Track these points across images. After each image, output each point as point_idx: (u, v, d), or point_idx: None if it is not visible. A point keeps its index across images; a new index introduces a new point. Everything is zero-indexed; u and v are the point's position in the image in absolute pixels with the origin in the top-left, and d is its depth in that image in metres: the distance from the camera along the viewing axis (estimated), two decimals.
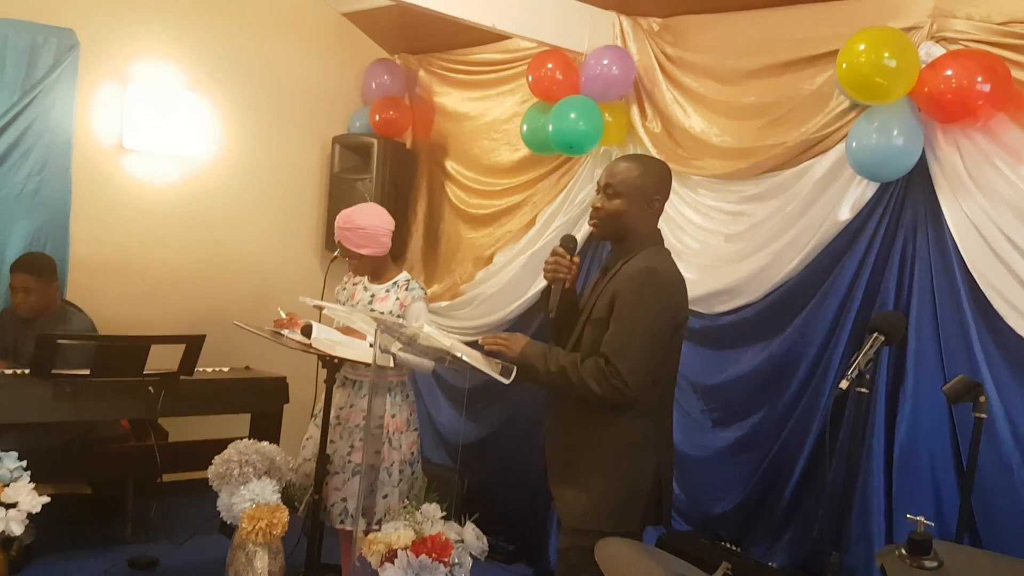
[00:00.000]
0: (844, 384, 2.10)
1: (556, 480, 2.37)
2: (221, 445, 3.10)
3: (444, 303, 4.44)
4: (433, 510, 2.56)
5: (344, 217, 3.14)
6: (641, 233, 2.36)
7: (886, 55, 2.66)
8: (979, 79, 2.58)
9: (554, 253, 2.36)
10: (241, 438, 3.15)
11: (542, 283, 3.89)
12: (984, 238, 2.64)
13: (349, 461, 3.02)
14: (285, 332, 2.98)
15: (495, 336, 2.30)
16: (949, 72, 2.64)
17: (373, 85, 4.83)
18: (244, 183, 4.67)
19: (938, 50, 2.76)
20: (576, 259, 2.38)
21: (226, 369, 4.04)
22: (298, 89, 4.80)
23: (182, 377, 3.61)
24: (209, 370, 3.93)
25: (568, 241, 2.38)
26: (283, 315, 3.05)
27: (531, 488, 3.99)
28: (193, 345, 3.55)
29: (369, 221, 3.12)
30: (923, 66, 2.72)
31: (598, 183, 2.40)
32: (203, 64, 4.46)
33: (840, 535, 2.31)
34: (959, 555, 1.66)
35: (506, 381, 2.14)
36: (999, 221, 2.60)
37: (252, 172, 4.69)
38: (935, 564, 1.55)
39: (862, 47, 2.70)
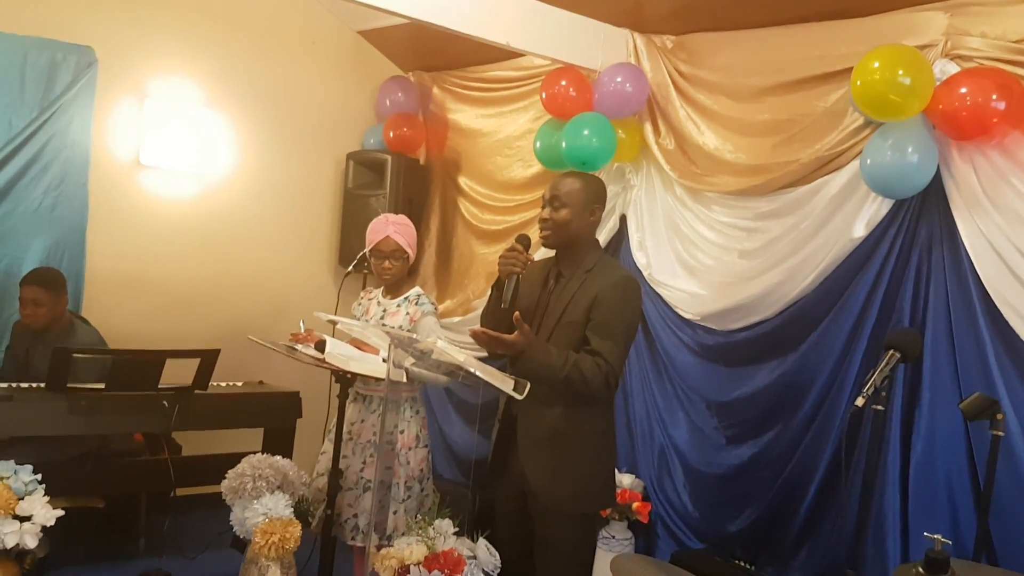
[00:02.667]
0: (860, 401, 2.09)
1: (536, 472, 2.54)
2: (234, 459, 3.10)
3: (456, 318, 4.45)
4: (446, 526, 2.55)
5: (394, 217, 3.20)
6: (587, 241, 2.63)
7: (900, 72, 2.67)
8: (994, 97, 2.58)
9: (511, 249, 2.54)
10: (254, 452, 3.15)
11: None
12: (1000, 256, 2.63)
13: (361, 477, 3.02)
14: (299, 347, 2.98)
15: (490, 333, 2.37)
16: (964, 90, 2.64)
17: (387, 102, 4.86)
18: (259, 199, 4.70)
19: (953, 68, 2.77)
20: (531, 255, 2.58)
21: (240, 384, 4.05)
22: (313, 106, 4.84)
23: (196, 391, 3.62)
24: (223, 384, 3.94)
25: (523, 239, 2.57)
26: (303, 328, 3.06)
27: None
28: (207, 360, 3.57)
29: (410, 223, 3.19)
30: (938, 84, 2.73)
31: (543, 197, 2.62)
32: (220, 81, 4.50)
33: (856, 553, 2.29)
34: (977, 574, 1.64)
35: (519, 396, 2.15)
36: (1015, 239, 2.59)
37: (267, 188, 4.73)
38: None
39: (876, 64, 2.70)
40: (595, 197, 2.63)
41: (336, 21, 4.82)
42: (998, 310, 2.64)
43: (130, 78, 4.25)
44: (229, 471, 3.02)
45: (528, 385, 2.17)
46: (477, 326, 4.27)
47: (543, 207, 2.63)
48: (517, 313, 2.38)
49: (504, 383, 2.11)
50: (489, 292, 2.67)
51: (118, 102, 4.23)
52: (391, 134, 4.74)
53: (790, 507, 3.22)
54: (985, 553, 2.44)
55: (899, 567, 1.68)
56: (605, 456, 2.64)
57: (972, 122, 2.64)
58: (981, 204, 2.68)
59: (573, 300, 2.54)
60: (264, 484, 2.91)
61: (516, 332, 2.34)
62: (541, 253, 2.97)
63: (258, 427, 4.07)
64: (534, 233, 2.76)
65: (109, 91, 4.17)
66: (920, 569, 1.57)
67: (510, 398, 2.49)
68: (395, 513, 2.95)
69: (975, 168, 2.70)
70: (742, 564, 3.28)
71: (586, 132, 3.57)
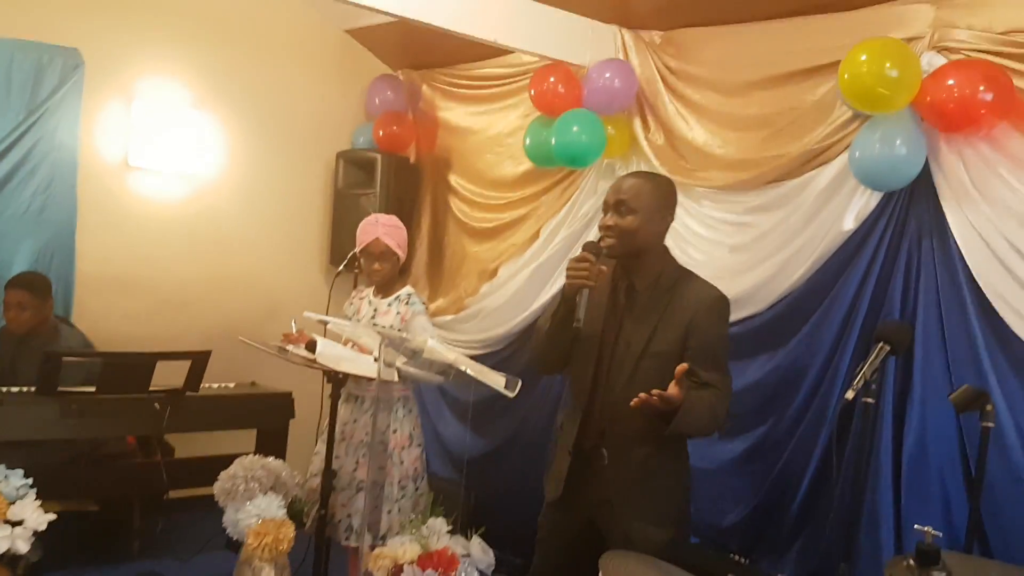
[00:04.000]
0: (850, 394, 2.10)
1: (627, 512, 2.36)
2: (227, 461, 3.09)
3: (449, 317, 4.44)
4: (439, 524, 2.55)
5: (385, 217, 3.18)
6: (657, 250, 2.41)
7: (888, 65, 2.67)
8: (981, 88, 2.58)
9: (580, 259, 2.31)
10: (247, 454, 3.14)
11: (547, 296, 3.98)
12: (989, 247, 2.63)
13: (354, 477, 3.02)
14: (290, 347, 2.98)
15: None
16: (951, 82, 2.64)
17: (376, 101, 4.85)
18: (249, 199, 4.69)
19: (940, 60, 2.77)
20: (604, 267, 2.36)
21: (232, 385, 4.04)
22: (302, 105, 4.83)
23: (188, 393, 3.61)
24: (215, 386, 3.93)
25: (593, 247, 2.35)
26: (294, 328, 3.05)
27: (539, 501, 3.97)
28: (199, 361, 3.56)
29: (401, 224, 3.18)
30: (925, 76, 2.73)
31: (606, 201, 2.41)
32: (207, 82, 4.49)
33: (850, 546, 2.30)
34: (968, 565, 1.65)
35: (511, 394, 2.16)
36: (1004, 230, 2.59)
37: (257, 188, 4.71)
38: (943, 575, 1.54)
39: (864, 57, 2.70)
40: (666, 201, 2.43)
41: (323, 20, 4.81)
42: (988, 301, 2.64)
43: (117, 80, 4.23)
44: (221, 473, 3.02)
45: (519, 383, 2.16)
46: (470, 324, 4.35)
47: (605, 212, 2.42)
48: (683, 365, 2.10)
49: (495, 381, 2.11)
50: (554, 307, 2.42)
51: (105, 104, 4.21)
52: (381, 133, 4.73)
53: (784, 500, 3.21)
54: (977, 544, 2.45)
55: (891, 559, 1.69)
56: (683, 500, 2.51)
57: (960, 114, 2.64)
58: (970, 195, 2.68)
59: (660, 326, 2.33)
60: (256, 485, 2.91)
61: (673, 385, 2.09)
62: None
63: (251, 428, 4.07)
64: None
65: (96, 93, 4.15)
66: (911, 561, 1.58)
67: (582, 427, 2.42)
68: (389, 513, 2.96)
69: (963, 160, 2.71)
70: (737, 558, 3.28)
71: (575, 128, 3.56)
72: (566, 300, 2.33)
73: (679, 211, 3.49)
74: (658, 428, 2.23)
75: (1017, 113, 2.59)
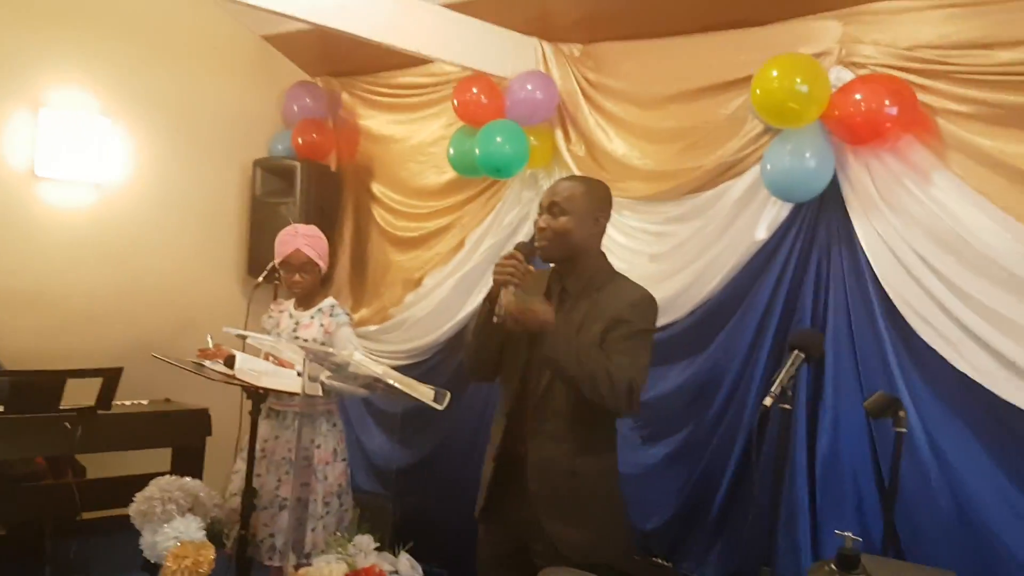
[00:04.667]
0: (768, 401, 2.15)
1: (552, 516, 2.30)
2: (142, 480, 3.00)
3: (373, 327, 4.40)
4: (366, 541, 2.52)
5: (304, 227, 3.11)
6: (592, 253, 2.41)
7: (798, 80, 2.76)
8: (887, 102, 2.69)
9: (510, 256, 2.28)
10: (163, 473, 3.06)
11: (473, 305, 3.98)
12: (896, 256, 2.74)
13: (277, 495, 2.96)
14: (207, 363, 2.91)
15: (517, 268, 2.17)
16: (858, 96, 2.75)
17: (295, 108, 4.77)
18: (162, 209, 4.55)
19: (847, 75, 2.88)
20: (531, 267, 2.33)
21: (145, 402, 3.92)
22: (217, 112, 4.71)
23: (100, 412, 3.48)
24: (128, 403, 3.80)
25: (524, 247, 2.33)
26: (211, 343, 2.97)
27: (466, 510, 3.97)
28: (110, 378, 3.43)
29: (321, 233, 3.12)
30: (833, 90, 2.83)
31: (540, 203, 2.41)
32: (118, 89, 4.33)
33: (770, 548, 2.37)
34: (886, 568, 1.72)
35: (439, 407, 2.14)
36: (910, 239, 2.71)
37: (171, 198, 4.57)
38: None
39: (775, 73, 2.79)
40: (599, 203, 2.43)
41: (239, 26, 4.70)
42: (895, 308, 2.76)
43: (23, 87, 4.04)
44: (137, 494, 2.92)
45: (448, 395, 2.15)
46: (394, 334, 4.31)
47: (540, 213, 2.40)
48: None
49: (424, 394, 2.10)
50: (480, 304, 2.39)
51: (11, 113, 4.02)
52: (300, 140, 4.65)
53: (704, 504, 3.29)
54: (892, 547, 2.55)
55: (813, 564, 1.75)
56: (618, 497, 2.46)
57: (867, 127, 2.75)
58: (877, 206, 2.79)
59: (586, 322, 2.31)
60: (174, 507, 2.83)
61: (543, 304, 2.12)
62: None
63: (166, 447, 3.94)
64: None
65: (1, 102, 3.97)
66: (833, 566, 1.63)
67: (506, 434, 2.38)
68: (313, 530, 2.91)
69: (870, 171, 2.82)
70: (660, 561, 3.34)
71: (499, 139, 3.58)
72: (491, 298, 2.30)
73: None
74: (577, 420, 2.26)
75: (921, 126, 2.71)
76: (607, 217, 2.48)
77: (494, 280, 2.28)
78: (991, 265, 2.55)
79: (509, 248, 2.40)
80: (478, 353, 2.44)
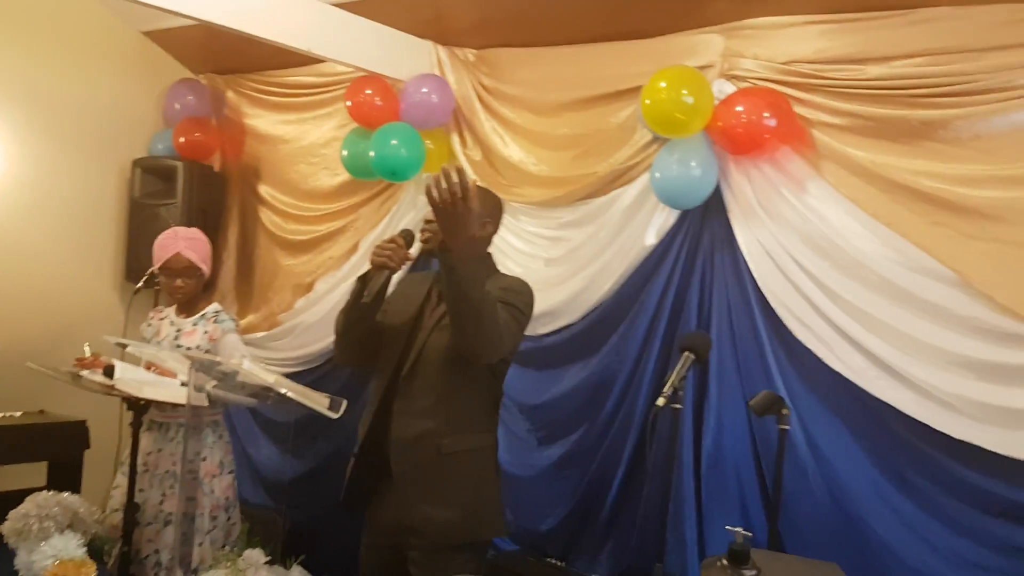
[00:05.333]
0: (661, 401, 2.21)
1: (416, 500, 2.26)
2: (16, 497, 2.81)
3: (261, 334, 4.28)
4: (256, 555, 2.44)
5: (184, 230, 2.99)
6: (477, 256, 2.33)
7: (685, 92, 2.86)
8: (766, 115, 2.82)
9: (391, 241, 2.27)
10: (38, 488, 2.88)
11: None
12: (773, 260, 2.87)
13: (161, 510, 2.85)
14: (84, 373, 2.76)
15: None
16: (740, 108, 2.87)
17: (176, 106, 4.59)
18: (35, 211, 4.28)
19: (730, 87, 2.99)
20: (410, 253, 2.30)
21: (18, 414, 3.68)
22: (94, 110, 4.47)
23: None
24: None
25: (407, 234, 2.32)
26: (88, 352, 2.82)
27: (360, 519, 3.91)
28: None
29: (203, 236, 3.00)
30: (716, 103, 2.94)
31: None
32: None
33: (661, 546, 2.43)
34: (774, 563, 1.79)
35: (335, 415, 2.08)
36: (786, 244, 2.84)
37: (44, 199, 4.31)
38: (753, 572, 1.66)
39: (663, 84, 2.88)
40: (488, 211, 2.42)
41: (118, 21, 4.49)
42: (773, 310, 2.89)
43: None
44: (11, 512, 2.74)
45: (344, 403, 2.09)
46: (284, 341, 4.20)
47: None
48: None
49: (318, 403, 2.05)
50: (353, 284, 2.33)
51: None
52: (181, 139, 4.47)
53: (596, 503, 3.35)
54: (775, 541, 2.66)
55: (705, 560, 1.81)
56: (492, 475, 2.41)
57: (747, 138, 2.86)
58: (756, 213, 2.92)
59: None
60: (52, 524, 2.67)
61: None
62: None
63: (41, 460, 3.72)
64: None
65: None
66: (724, 562, 1.69)
67: (372, 425, 2.34)
68: (200, 545, 2.81)
69: (750, 180, 2.94)
70: (554, 561, 3.39)
71: (394, 142, 3.54)
72: (364, 279, 2.29)
73: None
74: (448, 395, 2.23)
75: (797, 138, 2.85)
76: (496, 225, 2.49)
77: (371, 261, 2.26)
78: (862, 269, 2.70)
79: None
80: (346, 334, 2.40)
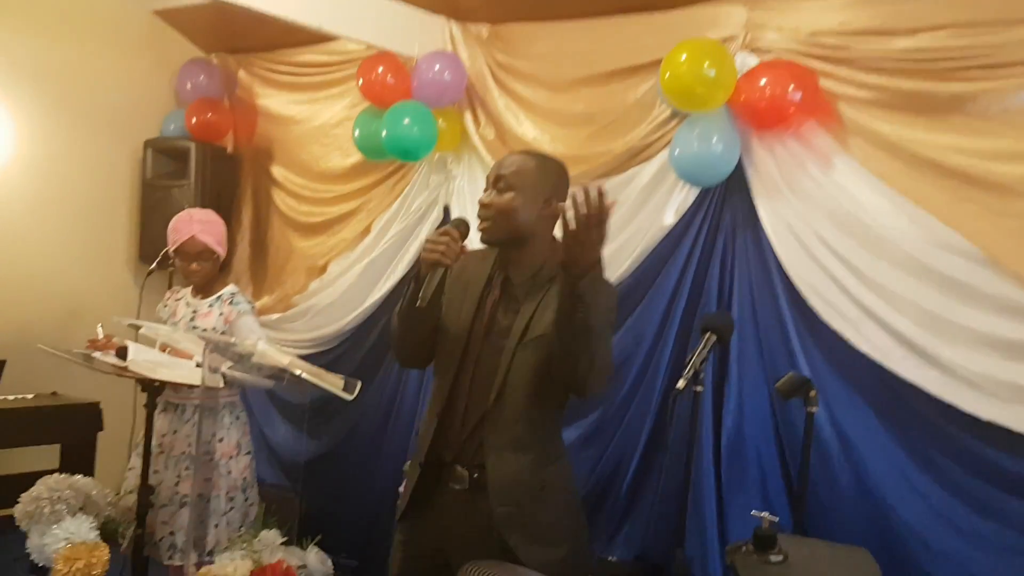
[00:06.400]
0: (682, 383, 2.17)
1: (520, 537, 2.01)
2: (29, 479, 2.81)
3: (275, 316, 4.25)
4: (272, 536, 2.42)
5: (199, 212, 2.95)
6: (542, 239, 2.08)
7: (706, 65, 2.79)
8: (791, 88, 2.75)
9: (444, 234, 2.00)
10: (53, 470, 2.88)
11: (381, 292, 3.89)
12: (798, 238, 2.81)
13: (176, 492, 2.83)
14: (97, 355, 2.74)
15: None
16: (763, 81, 2.80)
17: (188, 86, 4.56)
18: (47, 193, 4.27)
19: (753, 60, 2.93)
20: (465, 246, 2.04)
21: (30, 396, 3.69)
22: (104, 91, 4.45)
23: None
24: (11, 398, 3.58)
25: (461, 224, 2.05)
26: (101, 333, 2.80)
27: (373, 501, 3.90)
28: None
29: (218, 218, 2.96)
30: (739, 76, 2.87)
31: (487, 178, 2.11)
32: None
33: (681, 530, 2.39)
34: (801, 547, 1.75)
35: (349, 397, 2.05)
36: (811, 222, 2.78)
37: (56, 181, 4.30)
38: (780, 558, 1.62)
39: (684, 57, 2.82)
40: (553, 183, 2.08)
41: (129, 0, 4.46)
42: (797, 290, 2.83)
43: None
44: (23, 495, 2.74)
45: (359, 385, 2.04)
46: (298, 322, 4.18)
47: (485, 189, 2.10)
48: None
49: (333, 384, 2.02)
50: (406, 288, 2.07)
51: None
52: (194, 120, 4.44)
53: (613, 485, 3.32)
54: (799, 524, 2.61)
55: (730, 545, 1.77)
56: (577, 508, 2.18)
57: (771, 112, 2.80)
58: (780, 190, 2.86)
59: (539, 311, 2.03)
60: (64, 507, 2.66)
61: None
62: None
63: (54, 443, 3.73)
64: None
65: None
66: (750, 546, 1.65)
67: (436, 437, 2.11)
68: (217, 527, 2.79)
69: (774, 156, 2.88)
70: None
71: (406, 121, 3.49)
72: (417, 279, 2.02)
73: None
74: (535, 425, 2.01)
75: (823, 112, 2.78)
76: (562, 199, 2.04)
77: (422, 258, 2.01)
78: (889, 246, 2.64)
79: (414, 237, 2.21)
80: (403, 339, 2.16)
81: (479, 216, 2.07)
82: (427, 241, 2.01)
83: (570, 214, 1.73)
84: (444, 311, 2.13)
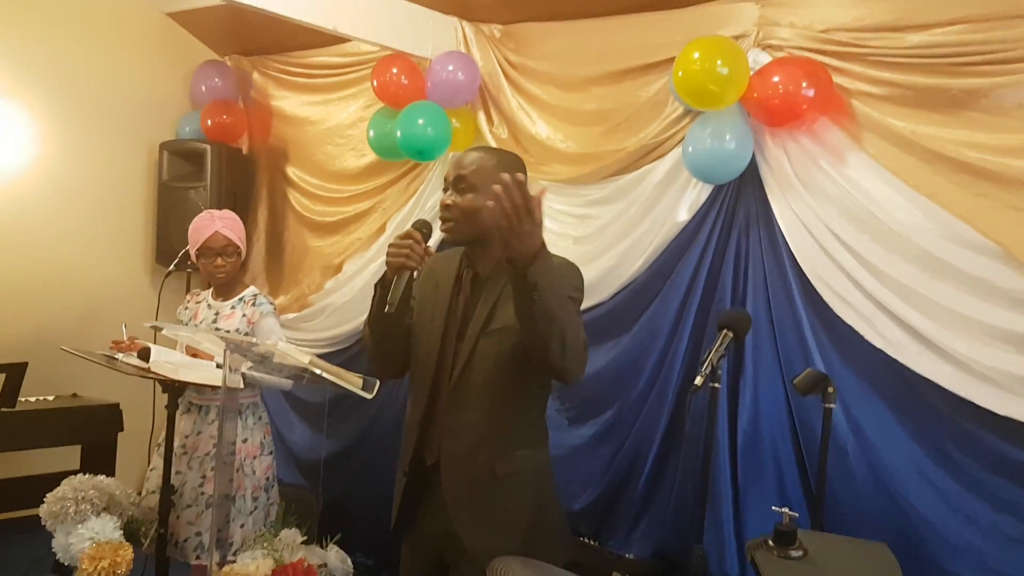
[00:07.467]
0: (699, 380, 2.18)
1: (471, 526, 1.99)
2: (51, 479, 2.86)
3: (291, 315, 4.29)
4: (292, 535, 2.45)
5: (219, 212, 2.99)
6: None
7: (719, 63, 2.79)
8: (804, 84, 2.75)
9: (404, 236, 1.98)
10: (73, 471, 2.92)
11: None
12: (812, 234, 2.81)
13: (202, 493, 2.86)
14: (120, 356, 2.77)
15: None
16: (776, 78, 2.80)
17: (203, 88, 4.60)
18: (64, 194, 4.32)
19: (765, 57, 2.93)
20: (430, 248, 2.02)
21: (51, 398, 3.73)
22: (120, 93, 4.49)
23: (3, 409, 3.29)
24: (32, 399, 3.62)
25: (423, 225, 2.02)
26: (125, 335, 2.83)
27: (388, 500, 3.91)
28: (14, 374, 3.25)
29: (238, 217, 3.00)
30: (751, 73, 2.88)
31: (445, 178, 2.10)
32: (14, 69, 4.09)
33: (700, 527, 2.40)
34: (821, 543, 1.76)
35: (369, 395, 2.06)
36: (825, 218, 2.78)
37: (74, 183, 4.35)
38: (800, 553, 1.63)
39: (696, 55, 2.82)
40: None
41: (142, 2, 4.50)
42: (812, 285, 2.83)
43: None
44: (48, 495, 2.78)
45: (377, 384, 2.04)
46: (314, 321, 4.20)
47: (445, 189, 2.08)
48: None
49: (352, 383, 2.04)
50: (373, 295, 2.06)
51: None
52: (209, 122, 4.48)
53: (630, 482, 3.33)
54: (816, 520, 2.62)
55: (750, 541, 1.78)
56: (550, 497, 2.15)
57: (784, 109, 2.80)
58: (793, 186, 2.86)
59: (501, 301, 2.00)
60: (89, 507, 2.70)
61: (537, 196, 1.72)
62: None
63: (75, 444, 3.77)
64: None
65: None
66: (770, 542, 1.66)
67: (419, 442, 2.10)
68: (243, 526, 2.82)
69: (787, 153, 2.88)
70: (586, 541, 3.37)
71: (421, 121, 3.52)
72: (383, 284, 2.01)
73: None
74: (500, 408, 1.98)
75: (836, 108, 2.78)
76: None
77: (387, 263, 1.99)
78: (903, 242, 2.64)
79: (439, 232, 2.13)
80: (377, 346, 2.14)
81: (441, 217, 2.07)
82: (390, 245, 1.99)
83: (496, 208, 1.70)
84: (416, 315, 2.12)
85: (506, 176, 1.69)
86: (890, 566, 1.81)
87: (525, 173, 2.02)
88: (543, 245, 1.74)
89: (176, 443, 2.84)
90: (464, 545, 1.99)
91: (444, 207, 2.06)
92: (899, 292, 2.64)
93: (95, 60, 4.38)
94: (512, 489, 2.04)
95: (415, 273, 1.99)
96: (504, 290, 2.00)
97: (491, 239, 2.04)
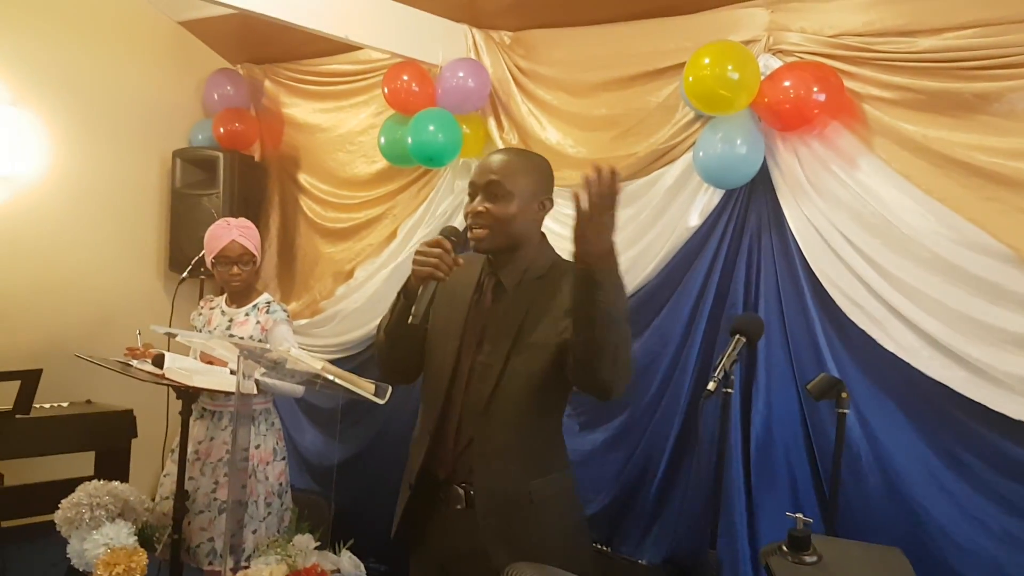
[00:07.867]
0: (712, 386, 2.18)
1: (504, 551, 1.90)
2: (65, 486, 2.87)
3: (304, 321, 4.30)
4: (306, 540, 2.45)
5: (235, 220, 3.02)
6: (532, 242, 2.00)
7: (730, 68, 2.80)
8: (815, 89, 2.75)
9: (433, 244, 1.88)
10: (86, 477, 2.93)
11: None
12: (824, 239, 2.81)
13: (215, 499, 2.87)
14: (134, 362, 2.79)
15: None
16: (787, 83, 2.80)
17: (215, 96, 4.62)
18: (79, 203, 4.34)
19: (775, 62, 2.93)
20: (459, 258, 1.91)
21: (65, 404, 3.75)
22: (133, 101, 4.52)
23: (18, 416, 3.31)
24: (46, 406, 3.64)
25: (453, 233, 1.92)
26: (140, 341, 2.85)
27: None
28: (29, 381, 3.27)
29: (253, 225, 3.02)
30: (762, 78, 2.88)
31: (473, 183, 1.99)
32: (27, 77, 4.11)
33: (714, 533, 2.40)
34: (835, 548, 1.76)
35: (381, 401, 2.04)
36: (837, 222, 2.78)
37: (87, 191, 4.37)
38: (815, 558, 1.63)
39: (707, 60, 2.82)
40: (545, 184, 2.00)
41: (154, 11, 4.52)
42: (824, 290, 2.83)
43: None
44: (63, 501, 2.79)
45: (389, 389, 2.01)
46: (326, 328, 4.22)
47: (472, 196, 1.98)
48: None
49: (365, 389, 2.04)
50: (394, 300, 1.99)
51: None
52: (221, 130, 4.51)
53: (642, 488, 3.32)
54: (829, 525, 2.61)
55: (764, 547, 1.78)
56: (575, 526, 2.09)
57: (795, 114, 2.80)
58: (805, 191, 2.86)
59: (530, 316, 1.93)
60: (103, 513, 2.71)
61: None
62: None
63: (89, 450, 3.79)
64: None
65: None
66: (784, 547, 1.66)
67: (428, 456, 2.05)
68: (255, 532, 2.83)
69: (799, 157, 2.88)
70: (598, 547, 3.37)
71: (431, 128, 3.53)
72: (408, 293, 1.93)
73: None
74: (529, 432, 1.92)
75: (847, 113, 2.78)
76: (551, 199, 2.04)
77: (414, 272, 1.89)
78: (915, 246, 2.64)
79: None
80: (391, 352, 2.09)
81: (472, 225, 1.96)
82: (417, 253, 1.90)
83: (583, 196, 1.63)
84: (431, 321, 2.03)
85: (604, 166, 1.62)
86: (904, 571, 1.81)
87: (552, 177, 2.08)
88: (614, 246, 1.68)
89: (189, 449, 2.86)
90: (492, 565, 1.89)
91: (476, 214, 1.95)
92: (911, 296, 2.64)
93: (108, 69, 4.41)
94: (547, 514, 1.98)
95: (441, 282, 1.91)
96: (535, 303, 1.94)
97: (520, 246, 1.99)
